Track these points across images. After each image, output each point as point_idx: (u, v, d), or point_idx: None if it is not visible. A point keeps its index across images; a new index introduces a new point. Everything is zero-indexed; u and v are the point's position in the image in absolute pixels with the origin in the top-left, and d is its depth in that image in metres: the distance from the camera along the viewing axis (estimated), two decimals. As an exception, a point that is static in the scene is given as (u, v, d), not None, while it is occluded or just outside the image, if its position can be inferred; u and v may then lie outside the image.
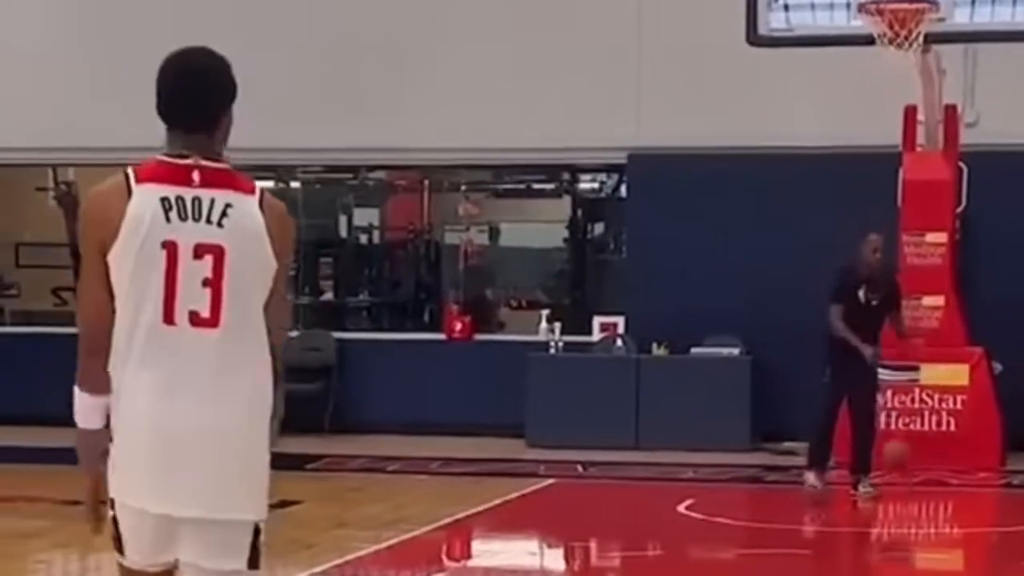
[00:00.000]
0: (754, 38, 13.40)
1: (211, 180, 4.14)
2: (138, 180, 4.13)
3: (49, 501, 11.61)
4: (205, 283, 4.08)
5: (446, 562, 10.18)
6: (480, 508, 11.55)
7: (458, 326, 16.69)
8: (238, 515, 4.16)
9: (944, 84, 14.20)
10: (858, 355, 11.94)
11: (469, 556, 10.58)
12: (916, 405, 14.02)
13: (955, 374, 14.00)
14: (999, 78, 14.93)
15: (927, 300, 14.14)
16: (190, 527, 4.14)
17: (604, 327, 16.04)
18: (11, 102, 16.95)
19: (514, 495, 12.25)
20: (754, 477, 13.61)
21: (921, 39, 12.45)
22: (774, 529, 11.04)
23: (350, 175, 18.57)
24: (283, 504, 11.18)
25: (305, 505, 10.93)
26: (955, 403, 13.98)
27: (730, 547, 10.61)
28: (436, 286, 18.52)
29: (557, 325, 15.97)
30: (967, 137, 14.49)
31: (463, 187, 18.52)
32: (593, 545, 10.61)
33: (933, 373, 14.00)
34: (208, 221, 4.10)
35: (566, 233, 18.27)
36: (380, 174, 18.75)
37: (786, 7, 13.70)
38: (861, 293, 12.19)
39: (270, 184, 18.60)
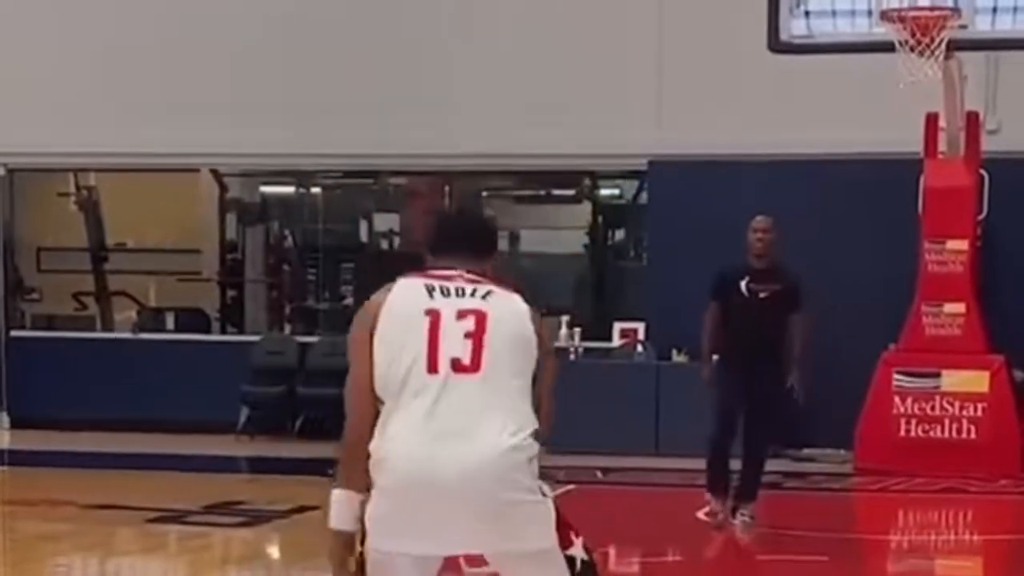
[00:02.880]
0: (775, 45, 13.38)
1: (474, 281, 4.43)
2: (404, 275, 4.46)
3: (72, 505, 11.68)
4: (467, 335, 4.30)
5: (468, 568, 10.19)
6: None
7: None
8: (504, 546, 4.38)
9: (966, 91, 14.18)
10: (744, 357, 10.50)
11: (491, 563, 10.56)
12: (936, 412, 13.99)
13: (975, 381, 13.97)
14: (1021, 85, 14.90)
15: (948, 307, 14.13)
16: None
17: (624, 333, 16.04)
18: (33, 107, 17.01)
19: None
20: (773, 483, 13.56)
21: (943, 46, 12.42)
22: (793, 535, 11.02)
23: (371, 180, 18.58)
24: (302, 509, 11.23)
25: (324, 510, 10.92)
26: (975, 410, 13.95)
27: (749, 553, 10.60)
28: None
29: (577, 331, 15.96)
30: (989, 144, 14.48)
31: (486, 193, 18.51)
32: (613, 551, 10.59)
33: (954, 380, 13.98)
34: (472, 296, 4.37)
35: (586, 239, 18.25)
36: (401, 179, 18.76)
37: (807, 14, 13.67)
38: (743, 285, 10.73)
39: (291, 189, 18.68)
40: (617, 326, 16.17)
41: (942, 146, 14.33)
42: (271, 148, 16.52)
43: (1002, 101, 15.14)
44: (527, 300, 4.50)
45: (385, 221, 19.02)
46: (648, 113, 16.03)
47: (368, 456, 4.30)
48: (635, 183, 17.66)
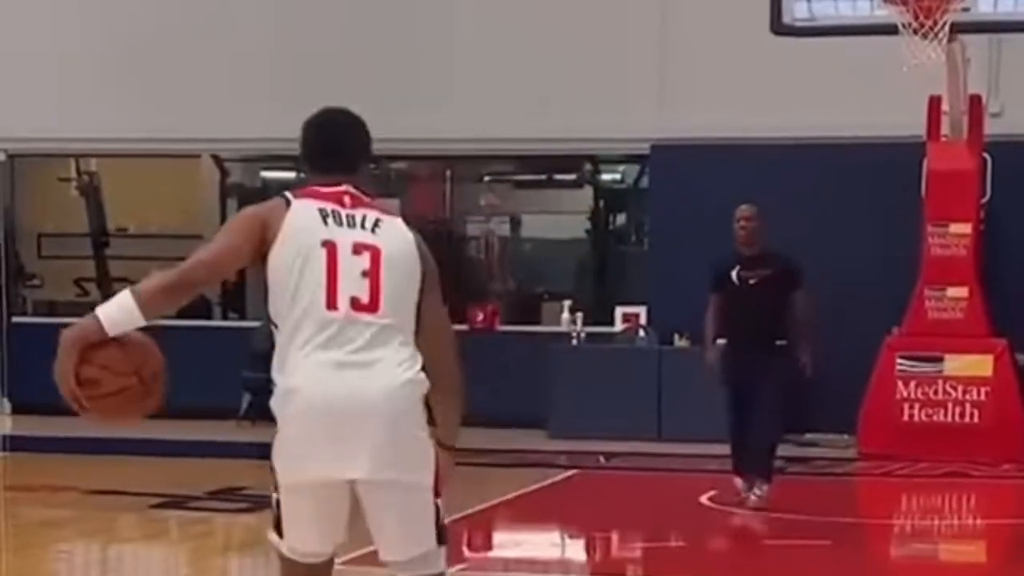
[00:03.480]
0: (778, 27, 13.35)
1: (360, 204, 4.63)
2: (296, 196, 4.60)
3: (74, 490, 11.66)
4: (364, 274, 4.51)
5: (471, 553, 10.16)
6: (503, 499, 11.54)
7: (480, 316, 16.67)
8: (401, 476, 4.48)
9: (968, 74, 14.14)
10: (742, 343, 10.80)
11: (493, 547, 10.55)
12: (939, 396, 13.97)
13: (979, 365, 13.95)
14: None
15: (951, 291, 14.10)
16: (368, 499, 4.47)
17: (626, 318, 16.02)
18: (34, 93, 16.98)
19: (536, 486, 12.24)
20: (777, 468, 13.53)
21: (947, 29, 12.37)
22: (796, 520, 10.99)
23: (372, 165, 18.49)
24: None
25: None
26: (979, 395, 13.93)
27: (752, 538, 10.58)
28: (457, 277, 18.46)
29: (579, 316, 15.93)
30: (991, 127, 14.44)
31: (487, 178, 18.47)
32: (616, 536, 10.58)
33: (957, 364, 13.96)
34: (363, 228, 4.56)
35: (588, 224, 18.21)
36: (402, 164, 18.70)
37: (809, -3, 13.64)
38: (734, 274, 11.04)
39: (291, 175, 18.64)
40: (619, 311, 16.14)
41: (945, 129, 14.30)
42: (272, 133, 16.44)
43: (1005, 84, 15.10)
44: (407, 222, 4.69)
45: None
46: (650, 97, 16.00)
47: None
48: (636, 167, 17.62)
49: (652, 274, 16.10)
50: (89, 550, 10.12)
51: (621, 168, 18.22)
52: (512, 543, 10.55)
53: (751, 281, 11.00)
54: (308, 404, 4.43)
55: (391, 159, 18.32)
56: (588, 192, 18.25)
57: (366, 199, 4.67)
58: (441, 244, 18.68)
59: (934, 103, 14.15)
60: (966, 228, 14.13)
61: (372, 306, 4.49)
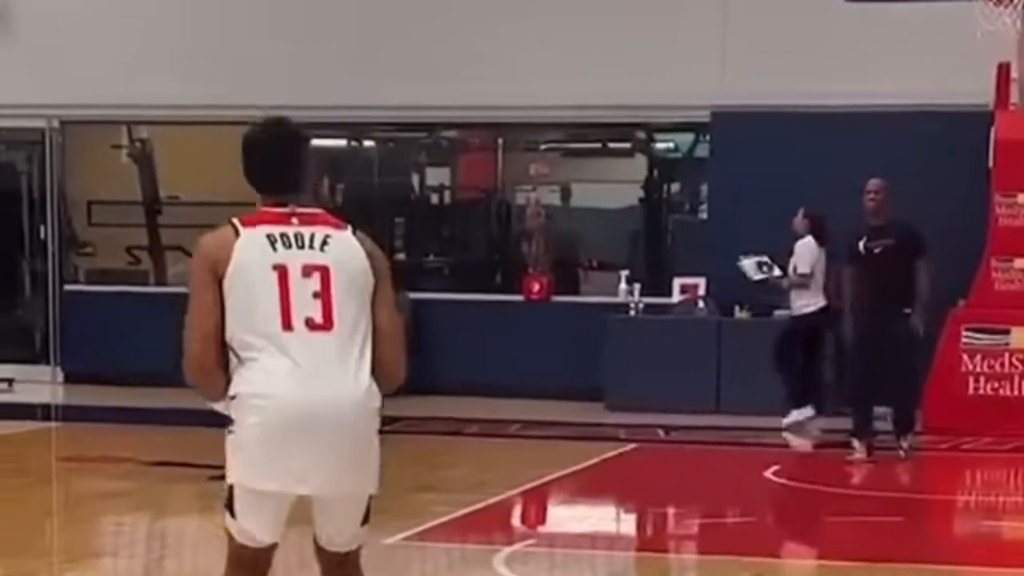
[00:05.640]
0: (852, -7, 13.07)
1: (308, 221, 4.77)
2: (244, 225, 4.73)
3: (131, 461, 11.55)
4: (315, 295, 4.65)
5: (533, 526, 10.03)
6: (563, 472, 11.37)
7: (536, 287, 16.49)
8: (358, 489, 4.74)
9: (1037, 41, 13.88)
10: (870, 309, 11.72)
11: (556, 520, 10.41)
12: (1006, 370, 13.70)
13: (1046, 338, 13.69)
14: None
15: (1018, 262, 13.83)
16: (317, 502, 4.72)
17: (684, 289, 15.80)
18: (86, 61, 16.86)
19: (596, 459, 12.07)
20: (842, 442, 13.34)
21: (1023, -5, 12.11)
22: (863, 495, 10.81)
23: (424, 134, 18.35)
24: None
25: (386, 468, 10.73)
26: (1046, 368, 13.68)
27: (821, 513, 10.38)
28: (507, 247, 18.29)
29: (636, 286, 15.72)
30: (1060, 96, 14.14)
31: (542, 146, 18.25)
32: (683, 511, 10.40)
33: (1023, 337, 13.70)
34: (311, 248, 4.70)
35: (641, 193, 17.99)
36: (453, 133, 18.53)
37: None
38: (861, 244, 11.99)
39: (343, 143, 18.48)
40: (677, 282, 15.92)
41: (1014, 97, 14.02)
42: (324, 100, 16.31)
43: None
44: (355, 229, 4.82)
45: (437, 175, 18.79)
46: (711, 63, 15.74)
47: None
48: (690, 136, 17.38)
49: (712, 245, 15.84)
50: (146, 522, 10.00)
51: (674, 137, 17.97)
52: (577, 517, 10.38)
53: (876, 251, 11.90)
54: (271, 415, 4.60)
55: (443, 127, 18.17)
56: (640, 161, 18.01)
57: (314, 215, 4.79)
58: (490, 213, 18.55)
59: (1003, 71, 13.88)
60: (1035, 198, 13.87)
61: (327, 324, 4.65)
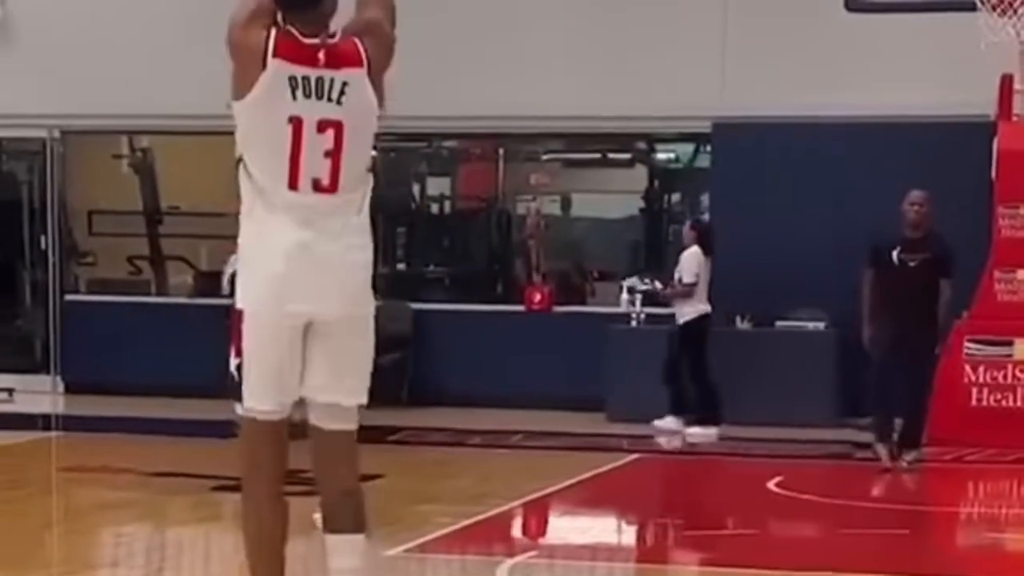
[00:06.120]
0: (853, 4, 13.05)
1: (333, 60, 4.87)
2: (275, 54, 4.84)
3: (132, 472, 11.49)
4: (327, 154, 4.85)
5: (536, 538, 9.98)
6: (566, 483, 11.33)
7: (537, 297, 16.46)
8: (360, 311, 5.02)
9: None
10: (897, 320, 11.72)
11: (559, 532, 10.36)
12: (1009, 381, 13.65)
13: (1050, 350, 13.64)
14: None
15: (1021, 273, 13.79)
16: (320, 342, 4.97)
17: (686, 299, 15.74)
18: (87, 71, 16.83)
19: (599, 470, 12.03)
20: (843, 454, 13.32)
21: (1026, 5, 12.09)
22: (868, 508, 10.77)
23: (424, 143, 18.33)
24: (364, 478, 10.99)
25: (387, 479, 10.70)
26: (1049, 379, 13.64)
27: (825, 526, 10.32)
28: (507, 257, 18.26)
29: (638, 297, 15.69)
30: (1062, 107, 14.11)
31: (544, 156, 18.22)
32: (690, 523, 10.34)
33: (1027, 348, 13.67)
34: (329, 100, 4.84)
35: (642, 203, 17.96)
36: (453, 143, 18.51)
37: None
38: (895, 254, 11.93)
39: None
40: (679, 293, 15.86)
41: (1017, 108, 13.99)
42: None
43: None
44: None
45: (437, 185, 18.77)
46: (712, 74, 15.71)
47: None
48: (691, 146, 17.36)
49: (714, 255, 15.78)
50: (148, 533, 9.94)
51: (674, 147, 17.95)
52: (579, 529, 10.32)
53: (911, 264, 11.92)
54: (278, 250, 4.89)
55: (443, 137, 18.14)
56: (640, 171, 17.99)
57: (340, 52, 4.89)
58: (490, 223, 18.50)
59: (1006, 82, 13.84)
60: (1037, 209, 13.83)
61: (331, 187, 4.86)
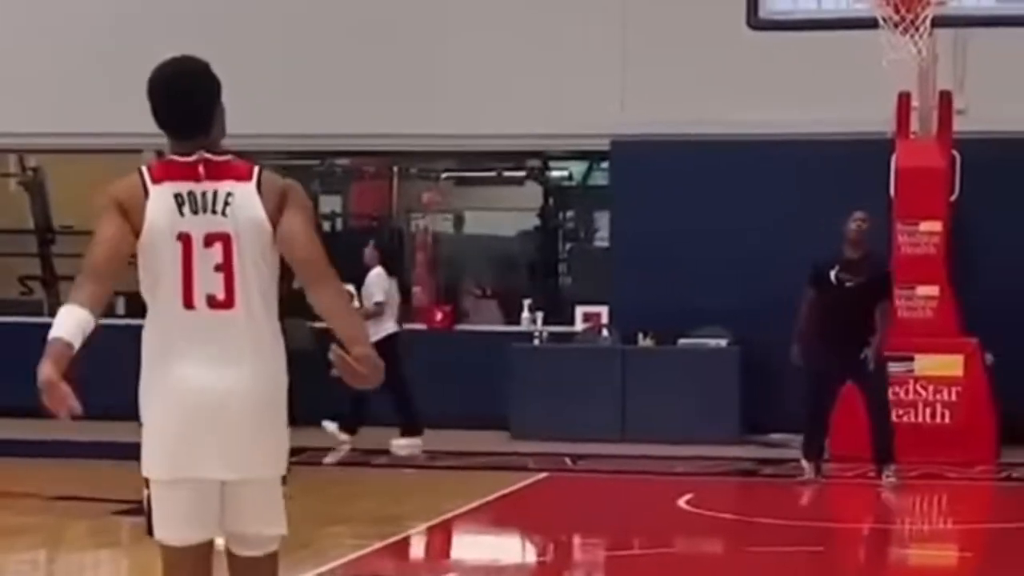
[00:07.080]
0: (755, 21, 13.11)
1: (214, 172, 4.60)
2: (154, 180, 4.60)
3: (35, 496, 11.22)
4: (217, 268, 4.57)
5: (457, 558, 9.88)
6: (477, 503, 11.22)
7: (439, 316, 16.36)
8: (265, 473, 4.62)
9: (936, 71, 14.02)
10: (834, 340, 11.72)
11: (476, 553, 10.24)
12: (911, 397, 13.78)
13: (949, 365, 13.79)
14: (989, 66, 14.72)
15: (921, 290, 13.94)
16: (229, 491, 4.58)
17: (587, 317, 15.75)
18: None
19: (509, 489, 11.94)
20: (749, 470, 13.36)
21: (928, 23, 12.20)
22: (775, 524, 10.76)
23: (317, 161, 18.18)
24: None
25: (293, 501, 10.52)
26: (950, 395, 13.77)
27: (738, 543, 10.31)
28: (400, 275, 18.12)
29: (540, 315, 15.65)
30: (957, 125, 14.27)
31: (443, 175, 18.13)
32: (602, 541, 10.29)
33: (927, 364, 13.79)
34: (214, 212, 4.57)
35: (536, 221, 17.94)
36: (345, 161, 18.38)
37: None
38: (833, 274, 11.93)
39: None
40: (580, 310, 15.87)
41: (914, 126, 14.13)
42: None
43: (970, 81, 14.95)
44: (260, 172, 4.64)
45: (330, 203, 18.63)
46: (611, 92, 15.73)
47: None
48: (584, 164, 17.38)
49: (615, 273, 15.81)
50: (53, 559, 9.70)
51: (568, 164, 17.96)
52: (495, 549, 10.23)
53: (847, 284, 11.88)
54: (175, 402, 4.55)
55: (336, 155, 17.99)
56: (534, 189, 17.97)
57: (221, 164, 4.62)
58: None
59: (903, 99, 13.99)
60: (936, 226, 13.98)
61: (228, 302, 4.57)
